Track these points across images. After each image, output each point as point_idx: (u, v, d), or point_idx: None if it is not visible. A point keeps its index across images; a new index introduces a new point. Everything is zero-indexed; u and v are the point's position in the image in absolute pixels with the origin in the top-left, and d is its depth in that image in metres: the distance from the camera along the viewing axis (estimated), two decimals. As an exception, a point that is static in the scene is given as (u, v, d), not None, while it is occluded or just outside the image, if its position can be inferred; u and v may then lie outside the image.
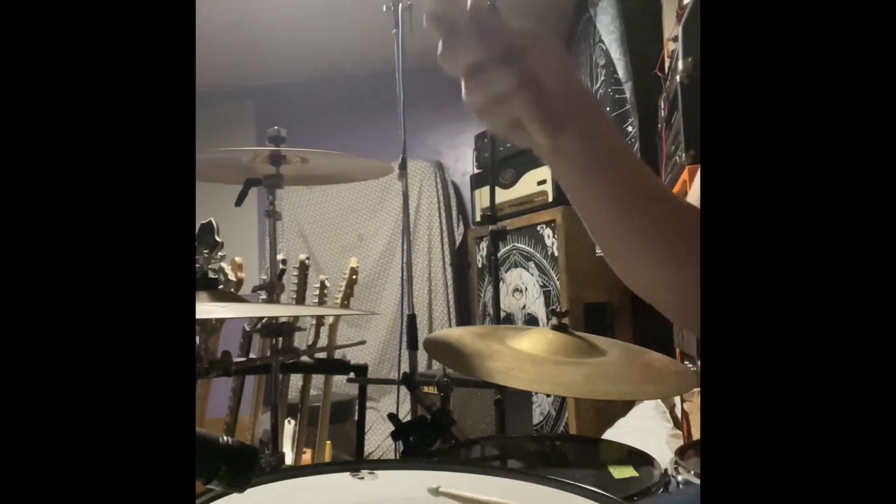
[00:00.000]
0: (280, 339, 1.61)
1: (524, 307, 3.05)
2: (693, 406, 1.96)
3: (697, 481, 1.07)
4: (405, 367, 1.91)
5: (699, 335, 0.50)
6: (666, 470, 1.16)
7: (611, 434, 2.15)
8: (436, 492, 0.73)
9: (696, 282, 0.44)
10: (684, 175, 1.67)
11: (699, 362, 1.76)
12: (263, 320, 1.60)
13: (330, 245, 4.03)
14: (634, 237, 0.63)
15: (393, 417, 1.27)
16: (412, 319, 2.00)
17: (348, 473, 0.84)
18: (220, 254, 1.65)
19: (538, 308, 2.95)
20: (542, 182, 2.96)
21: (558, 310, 1.32)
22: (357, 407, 1.90)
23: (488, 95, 0.53)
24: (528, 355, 1.21)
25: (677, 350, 2.09)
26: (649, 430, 2.05)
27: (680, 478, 1.12)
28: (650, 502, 1.06)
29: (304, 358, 1.73)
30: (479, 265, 3.49)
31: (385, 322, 3.76)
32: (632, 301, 2.83)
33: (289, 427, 2.18)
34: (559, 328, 1.26)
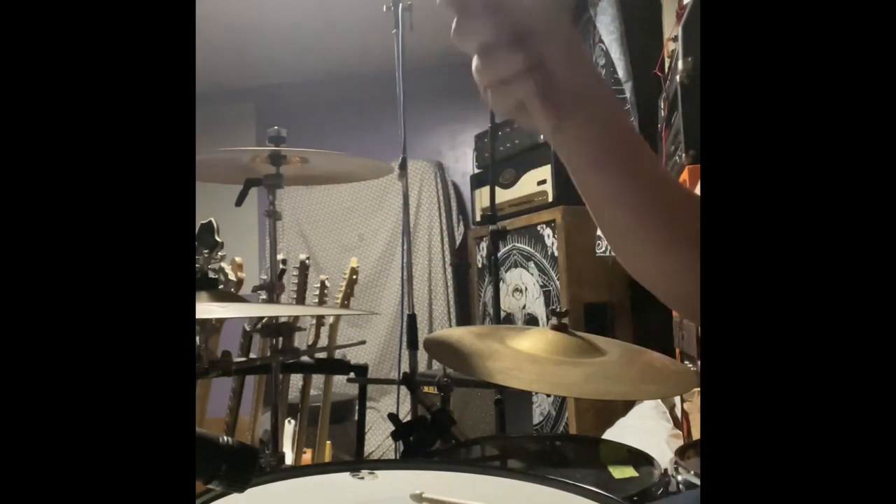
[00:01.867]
0: (280, 339, 1.61)
1: (524, 307, 3.05)
2: (693, 406, 1.96)
3: (697, 481, 1.07)
4: (405, 367, 1.91)
5: (699, 324, 0.50)
6: (666, 470, 1.16)
7: (611, 434, 2.15)
8: (419, 498, 0.73)
9: (694, 271, 0.44)
10: (684, 175, 1.67)
11: (699, 362, 1.76)
12: (263, 320, 1.60)
13: (330, 245, 4.02)
14: (636, 221, 0.63)
15: (393, 417, 1.27)
16: (412, 319, 2.00)
17: (348, 473, 0.84)
18: (220, 254, 1.65)
19: (538, 308, 2.95)
20: (542, 182, 2.96)
21: (558, 310, 1.32)
22: (357, 407, 1.90)
23: (495, 77, 0.53)
24: (528, 355, 1.21)
25: (677, 350, 2.09)
26: (649, 430, 2.05)
27: (680, 478, 1.12)
28: None
29: (304, 358, 1.73)
30: (479, 265, 3.49)
31: (385, 322, 3.76)
32: (632, 301, 2.83)
33: (289, 427, 2.18)
34: (559, 328, 1.26)
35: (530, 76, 0.53)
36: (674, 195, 0.64)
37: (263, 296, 1.63)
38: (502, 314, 2.93)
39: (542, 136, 2.92)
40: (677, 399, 2.15)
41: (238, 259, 1.76)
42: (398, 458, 1.37)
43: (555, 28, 0.55)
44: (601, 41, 2.61)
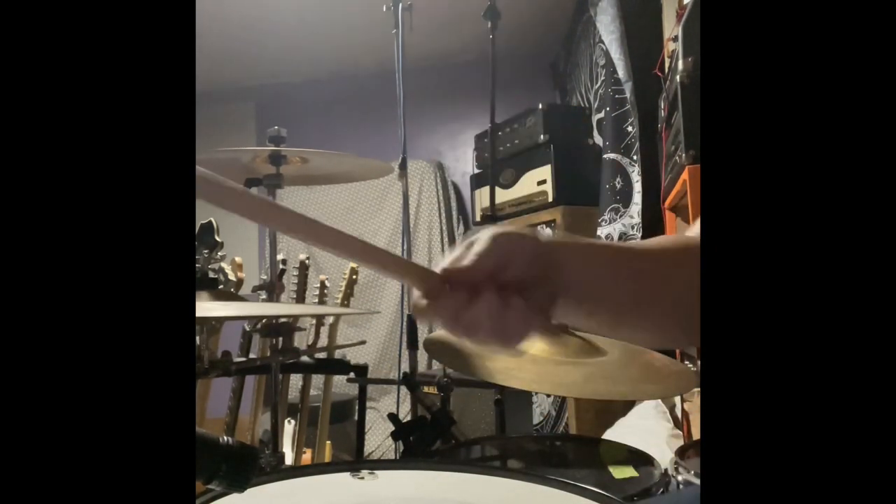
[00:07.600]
0: (280, 339, 1.61)
1: (524, 307, 3.04)
2: (693, 406, 1.96)
3: (697, 481, 1.07)
4: (405, 367, 1.91)
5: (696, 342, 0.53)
6: (666, 470, 1.16)
7: (611, 434, 2.15)
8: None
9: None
10: (684, 175, 1.67)
11: (699, 362, 1.76)
12: (263, 320, 1.60)
13: (330, 245, 4.02)
14: (641, 334, 0.71)
15: (393, 417, 1.27)
16: (412, 319, 1.99)
17: (348, 473, 0.84)
18: (220, 254, 1.65)
19: (538, 308, 2.94)
20: (542, 182, 2.96)
21: (558, 310, 1.31)
22: (357, 407, 1.90)
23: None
24: (528, 355, 1.20)
25: (677, 350, 2.09)
26: (649, 430, 2.04)
27: (680, 478, 1.12)
28: (652, 502, 1.05)
29: (304, 358, 1.73)
30: (479, 265, 3.48)
31: (385, 322, 3.76)
32: (632, 301, 2.82)
33: (289, 427, 2.18)
34: (559, 328, 1.26)
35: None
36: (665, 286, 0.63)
37: (263, 296, 1.63)
38: (502, 314, 2.92)
39: (541, 138, 2.92)
40: (677, 399, 2.14)
41: (238, 259, 1.75)
42: (398, 458, 1.37)
43: (501, 247, 0.57)
44: (601, 41, 2.60)
